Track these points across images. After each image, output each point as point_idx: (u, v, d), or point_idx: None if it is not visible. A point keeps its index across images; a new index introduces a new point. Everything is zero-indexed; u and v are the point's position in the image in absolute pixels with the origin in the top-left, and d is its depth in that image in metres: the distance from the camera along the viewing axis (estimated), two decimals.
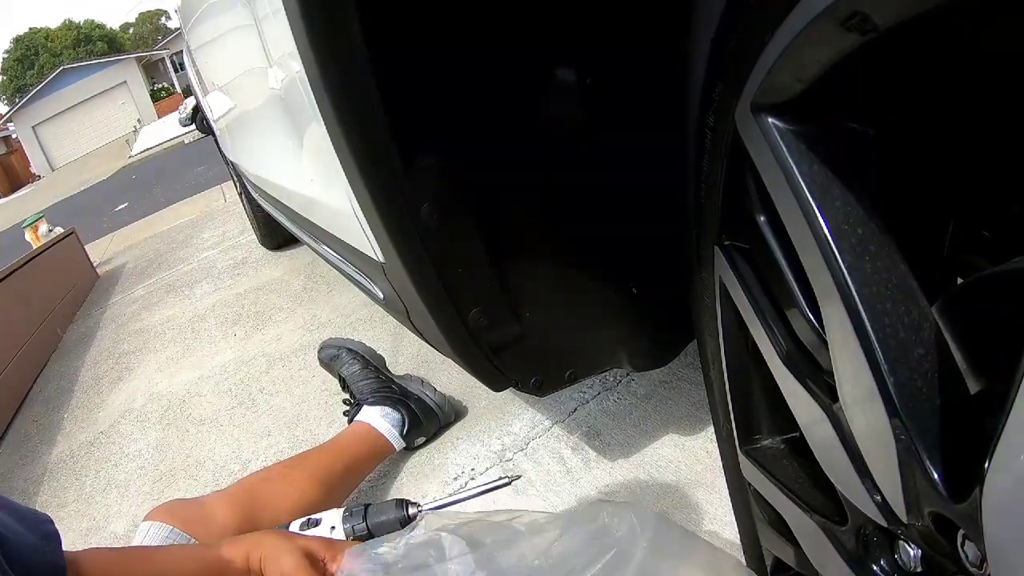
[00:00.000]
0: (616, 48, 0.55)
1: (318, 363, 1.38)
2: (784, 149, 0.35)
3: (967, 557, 0.30)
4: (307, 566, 0.62)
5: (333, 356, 1.31)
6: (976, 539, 0.28)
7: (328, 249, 1.12)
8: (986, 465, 0.26)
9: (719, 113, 0.41)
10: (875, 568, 0.39)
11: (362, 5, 0.46)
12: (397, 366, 1.43)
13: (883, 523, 0.35)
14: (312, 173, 0.87)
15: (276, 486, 0.95)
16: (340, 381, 1.28)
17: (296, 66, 0.59)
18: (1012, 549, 0.26)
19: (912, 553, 0.36)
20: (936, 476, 0.30)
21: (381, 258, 0.68)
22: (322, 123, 0.57)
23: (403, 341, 1.58)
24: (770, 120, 0.36)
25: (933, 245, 0.37)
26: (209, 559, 0.65)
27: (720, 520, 0.84)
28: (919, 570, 0.36)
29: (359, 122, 0.52)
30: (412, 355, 1.51)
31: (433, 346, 0.82)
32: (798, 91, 0.34)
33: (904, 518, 0.33)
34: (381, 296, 0.86)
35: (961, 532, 0.30)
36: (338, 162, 0.60)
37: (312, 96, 0.56)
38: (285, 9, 0.51)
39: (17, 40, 35.27)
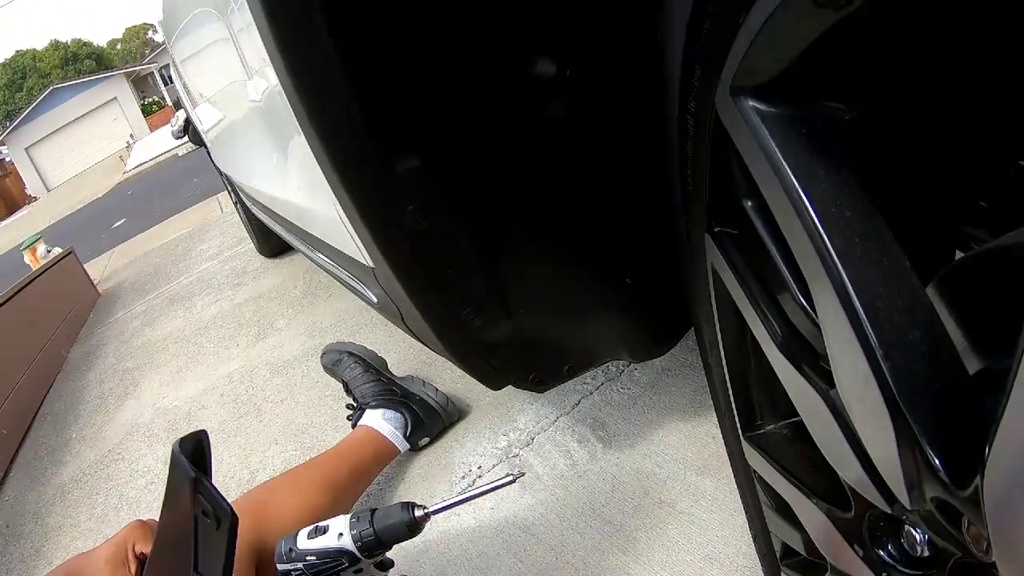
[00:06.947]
0: (596, 37, 0.54)
1: (321, 368, 1.38)
2: (766, 132, 0.34)
3: (972, 542, 0.30)
4: None
5: (335, 361, 1.32)
6: (979, 524, 0.28)
7: (321, 256, 1.11)
8: (987, 450, 0.25)
9: (699, 98, 0.40)
10: (882, 553, 0.38)
11: (329, 9, 0.45)
12: (399, 367, 1.42)
13: (887, 509, 0.35)
14: (298, 181, 0.86)
15: (283, 496, 0.95)
16: (343, 385, 1.28)
17: (273, 77, 0.58)
18: (1016, 534, 0.25)
19: (919, 537, 0.35)
20: (936, 462, 0.29)
21: (370, 263, 0.67)
22: (301, 132, 0.57)
23: (405, 343, 1.58)
24: (750, 103, 0.35)
25: (925, 223, 0.36)
26: None
27: (728, 507, 0.83)
28: (926, 554, 0.35)
29: (335, 129, 0.51)
30: (414, 356, 1.51)
31: (429, 347, 0.81)
32: (776, 72, 0.33)
33: (907, 504, 0.32)
34: (375, 300, 0.86)
35: (965, 517, 0.29)
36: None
37: (289, 105, 0.55)
38: (253, 17, 0.50)
39: (3, 66, 35.06)
